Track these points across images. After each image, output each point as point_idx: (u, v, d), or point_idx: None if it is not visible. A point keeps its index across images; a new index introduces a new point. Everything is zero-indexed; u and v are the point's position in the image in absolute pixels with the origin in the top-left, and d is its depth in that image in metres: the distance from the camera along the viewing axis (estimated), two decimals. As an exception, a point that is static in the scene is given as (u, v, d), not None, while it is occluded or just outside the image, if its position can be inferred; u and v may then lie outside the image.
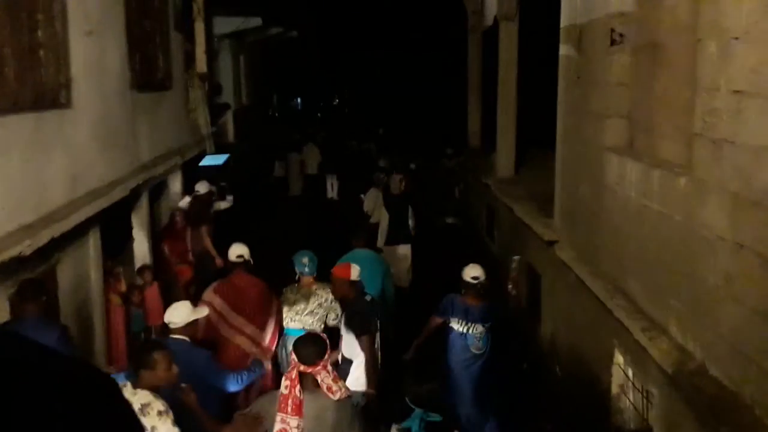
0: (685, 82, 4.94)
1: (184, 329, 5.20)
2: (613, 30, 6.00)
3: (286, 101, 40.03)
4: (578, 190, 6.90)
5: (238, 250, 6.88)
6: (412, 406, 4.69)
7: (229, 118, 18.67)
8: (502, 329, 6.55)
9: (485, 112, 15.06)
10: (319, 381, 3.89)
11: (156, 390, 4.07)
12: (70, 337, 5.62)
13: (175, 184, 12.10)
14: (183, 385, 4.37)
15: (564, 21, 7.41)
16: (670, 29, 5.24)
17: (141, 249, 9.98)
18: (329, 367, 3.95)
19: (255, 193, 14.62)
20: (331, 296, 6.37)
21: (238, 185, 15.73)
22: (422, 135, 23.51)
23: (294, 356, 3.93)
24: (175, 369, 4.18)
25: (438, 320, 6.33)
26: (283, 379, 3.95)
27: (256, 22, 16.92)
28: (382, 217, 10.60)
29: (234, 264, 6.85)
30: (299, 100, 44.40)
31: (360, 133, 25.30)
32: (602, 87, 6.24)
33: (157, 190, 11.47)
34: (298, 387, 3.82)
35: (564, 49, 7.41)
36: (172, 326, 5.21)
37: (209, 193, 10.66)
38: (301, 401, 3.81)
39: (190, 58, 14.05)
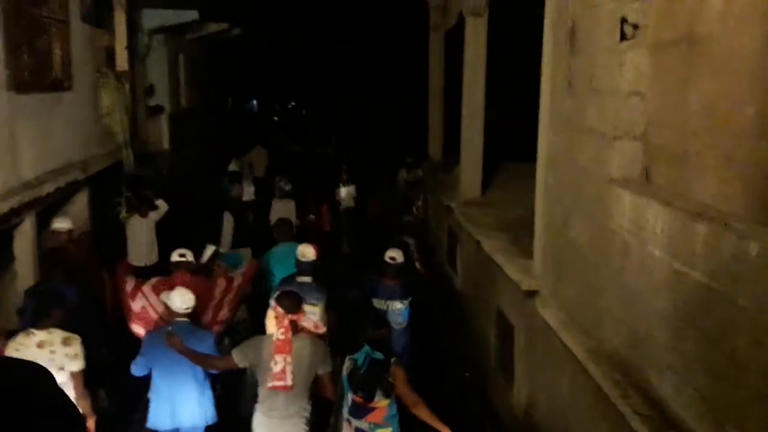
0: (746, 91, 3.30)
1: (187, 313, 5.70)
2: (624, 20, 4.34)
3: (242, 104, 38.15)
4: (568, 229, 5.24)
5: (180, 250, 6.95)
6: (363, 344, 5.16)
7: (163, 123, 16.76)
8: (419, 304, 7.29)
9: (449, 120, 13.38)
10: (303, 324, 5.31)
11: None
12: (86, 290, 6.95)
13: (78, 202, 10.20)
14: (169, 328, 5.51)
15: (549, 11, 5.75)
16: (721, 15, 3.59)
17: (24, 283, 8.08)
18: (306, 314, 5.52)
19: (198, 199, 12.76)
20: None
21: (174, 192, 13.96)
22: (380, 142, 21.92)
23: (280, 310, 5.14)
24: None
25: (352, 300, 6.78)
26: (277, 327, 5.08)
27: (191, 15, 15.00)
28: None
29: (176, 264, 6.85)
30: (255, 102, 42.58)
31: (315, 137, 24.06)
32: (606, 97, 4.59)
33: (53, 210, 9.57)
34: (290, 332, 5.05)
35: (549, 48, 5.76)
36: (175, 310, 5.69)
37: (69, 233, 8.16)
38: (290, 343, 5.02)
39: (109, 55, 12.17)
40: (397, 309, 6.91)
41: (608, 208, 4.43)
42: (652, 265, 3.82)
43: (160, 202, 10.16)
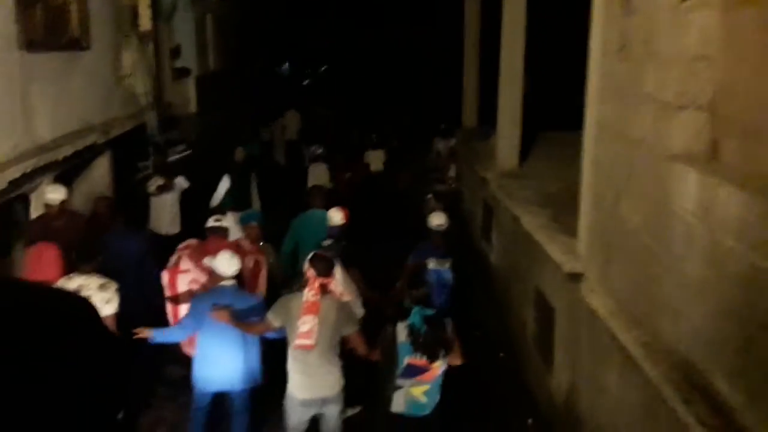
0: None
1: (232, 278, 5.65)
2: (692, -28, 3.79)
3: (273, 67, 37.63)
4: (619, 208, 4.73)
5: (217, 215, 7.09)
6: (411, 306, 5.28)
7: (190, 86, 16.36)
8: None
9: (484, 86, 12.79)
10: (331, 288, 5.52)
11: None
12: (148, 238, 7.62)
13: (100, 167, 9.87)
14: (214, 304, 5.43)
15: (601, -36, 5.18)
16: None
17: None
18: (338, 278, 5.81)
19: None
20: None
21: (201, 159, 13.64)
22: (413, 108, 21.39)
23: (312, 271, 5.28)
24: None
25: (411, 265, 7.03)
26: (308, 289, 5.21)
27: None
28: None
29: (212, 229, 6.85)
30: (287, 65, 42.02)
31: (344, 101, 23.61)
32: (667, 62, 4.05)
33: (73, 174, 9.25)
34: (319, 294, 5.21)
35: (599, 8, 5.19)
36: (221, 274, 5.65)
37: (61, 205, 7.35)
38: (319, 304, 5.18)
39: (132, 14, 11.74)
40: (447, 268, 7.21)
41: (668, 187, 3.92)
42: (723, 256, 3.31)
43: (180, 180, 9.73)
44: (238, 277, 5.80)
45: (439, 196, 14.12)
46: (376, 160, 14.62)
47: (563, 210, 7.09)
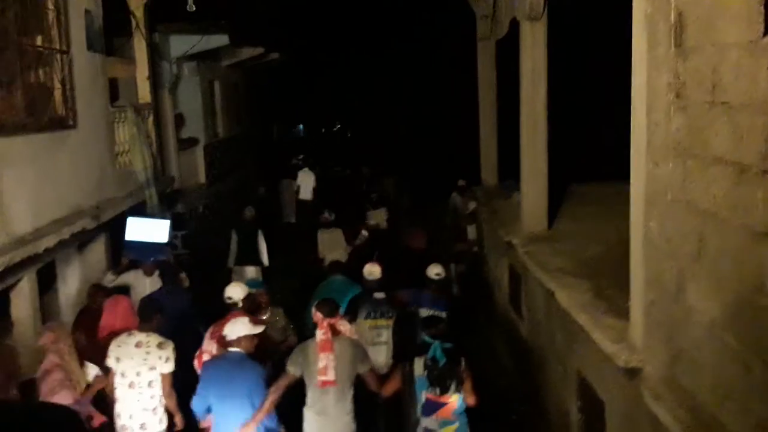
0: None
1: (238, 342, 5.55)
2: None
3: (287, 129, 37.36)
4: (686, 294, 3.85)
5: (228, 292, 6.86)
6: (429, 341, 5.59)
7: (198, 156, 15.77)
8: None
9: (502, 139, 12.02)
10: (339, 327, 5.75)
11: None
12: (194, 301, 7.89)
13: (95, 252, 9.14)
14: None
15: (640, 3, 4.39)
16: None
17: (23, 346, 7.01)
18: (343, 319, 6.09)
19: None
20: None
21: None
22: (428, 165, 20.73)
23: (319, 314, 5.64)
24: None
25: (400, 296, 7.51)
26: (318, 330, 5.59)
27: (222, 40, 13.95)
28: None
29: (227, 306, 6.78)
30: (301, 127, 41.81)
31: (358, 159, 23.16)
32: (742, 113, 3.22)
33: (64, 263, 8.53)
34: (330, 333, 5.56)
35: (642, 50, 4.39)
36: (228, 339, 5.61)
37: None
38: (332, 342, 5.53)
39: (127, 86, 11.21)
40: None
41: (759, 273, 3.05)
42: None
43: (183, 277, 8.63)
44: (245, 346, 5.66)
45: (459, 256, 13.33)
46: (378, 218, 14.09)
47: (605, 281, 6.21)
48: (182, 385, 5.92)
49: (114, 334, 6.26)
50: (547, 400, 7.25)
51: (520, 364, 8.27)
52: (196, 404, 5.66)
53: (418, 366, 5.47)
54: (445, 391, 5.43)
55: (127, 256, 8.74)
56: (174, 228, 13.49)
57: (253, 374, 5.55)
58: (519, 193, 9.93)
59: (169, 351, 5.79)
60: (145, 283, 8.22)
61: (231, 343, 5.61)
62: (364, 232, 12.41)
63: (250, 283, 7.82)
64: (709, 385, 3.64)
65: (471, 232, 12.64)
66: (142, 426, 5.79)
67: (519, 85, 8.70)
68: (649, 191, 4.33)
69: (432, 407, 5.46)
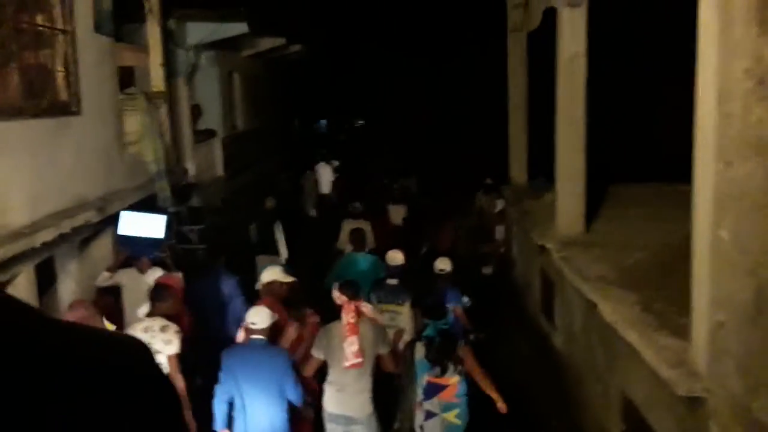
0: None
1: (263, 331, 5.59)
2: None
3: (310, 124, 36.84)
4: None
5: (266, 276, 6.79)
6: (426, 321, 5.76)
7: (216, 148, 15.26)
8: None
9: (533, 136, 11.37)
10: (364, 311, 5.91)
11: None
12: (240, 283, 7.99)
13: (100, 248, 8.64)
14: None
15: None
16: None
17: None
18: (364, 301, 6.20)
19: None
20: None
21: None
22: (456, 161, 20.11)
23: (344, 297, 5.75)
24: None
25: None
26: (345, 313, 5.66)
27: (240, 28, 13.40)
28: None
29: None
30: (324, 122, 41.28)
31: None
32: None
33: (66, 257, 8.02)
34: (356, 316, 5.64)
35: (712, 32, 3.75)
36: (253, 327, 5.61)
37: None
38: (357, 325, 5.61)
39: (139, 73, 10.71)
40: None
41: None
42: None
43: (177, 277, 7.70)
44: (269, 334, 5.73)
45: (485, 258, 12.71)
46: (396, 215, 13.74)
47: (653, 293, 5.58)
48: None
49: None
50: (582, 417, 6.63)
51: (553, 378, 7.64)
52: (219, 394, 5.59)
53: (419, 350, 5.57)
54: (444, 370, 5.47)
55: (123, 251, 8.23)
56: (190, 222, 13.11)
57: (277, 362, 5.53)
58: (552, 192, 9.30)
59: (171, 333, 5.84)
60: (140, 282, 7.66)
61: (255, 331, 5.61)
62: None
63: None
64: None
65: (499, 232, 12.01)
66: None
67: (553, 78, 8.06)
68: (720, 195, 3.69)
69: (433, 390, 5.52)
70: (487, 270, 12.64)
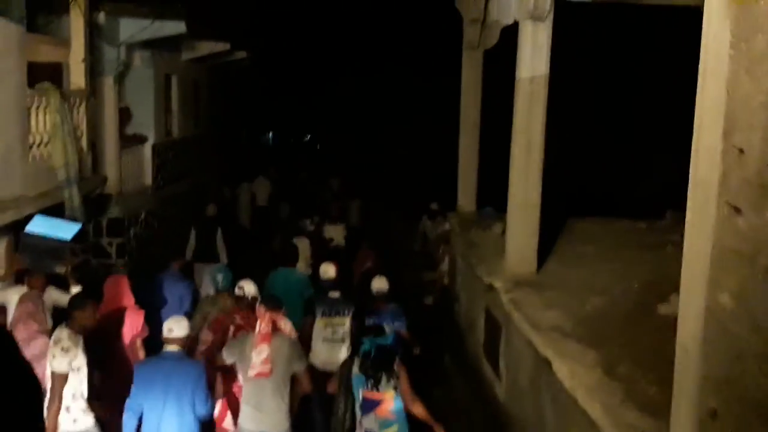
0: None
1: (179, 340, 5.54)
2: None
3: (256, 136, 35.78)
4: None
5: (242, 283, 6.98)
6: (362, 340, 5.70)
7: (145, 155, 14.16)
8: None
9: (486, 161, 10.64)
10: (280, 324, 5.98)
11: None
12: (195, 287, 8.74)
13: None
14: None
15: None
16: None
17: None
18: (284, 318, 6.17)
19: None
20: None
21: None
22: (402, 184, 19.47)
23: (263, 308, 5.88)
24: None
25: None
26: (259, 322, 5.71)
27: (177, 28, 12.41)
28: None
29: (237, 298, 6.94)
30: (270, 135, 40.25)
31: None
32: None
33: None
34: (270, 326, 5.69)
35: (717, 48, 3.01)
36: (169, 336, 5.52)
37: None
38: (271, 335, 5.65)
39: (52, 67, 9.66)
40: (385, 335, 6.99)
41: None
42: None
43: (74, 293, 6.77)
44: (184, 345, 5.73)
45: (427, 287, 11.97)
46: (336, 235, 13.32)
47: (615, 349, 4.84)
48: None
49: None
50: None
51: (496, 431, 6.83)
52: (128, 408, 5.44)
53: (356, 365, 5.56)
54: (377, 383, 5.44)
55: (22, 260, 7.45)
56: (108, 234, 12.05)
57: (190, 374, 5.45)
58: (500, 223, 8.59)
59: (57, 349, 5.37)
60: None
61: (170, 341, 5.53)
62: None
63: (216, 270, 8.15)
64: None
65: (444, 264, 11.24)
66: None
67: (510, 99, 7.34)
68: (720, 250, 2.93)
69: (369, 405, 5.49)
70: (428, 300, 11.92)
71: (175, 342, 5.52)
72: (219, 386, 6.24)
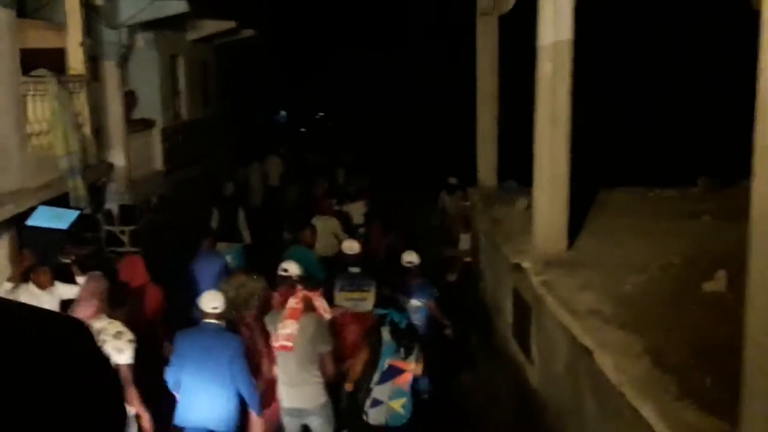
0: None
1: (218, 315, 5.72)
2: None
3: (270, 116, 35.39)
4: None
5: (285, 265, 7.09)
6: (382, 311, 5.97)
7: (154, 140, 13.80)
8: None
9: (507, 133, 10.17)
10: (316, 303, 6.10)
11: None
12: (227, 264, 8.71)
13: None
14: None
15: None
16: None
17: None
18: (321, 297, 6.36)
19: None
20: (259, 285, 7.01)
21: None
22: (420, 159, 19.06)
23: (300, 285, 6.16)
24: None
25: None
26: (292, 298, 5.89)
27: (178, 7, 11.94)
28: None
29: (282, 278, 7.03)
30: (284, 114, 39.87)
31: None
32: None
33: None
34: (302, 304, 5.81)
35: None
36: (207, 310, 5.71)
37: None
38: (301, 312, 5.75)
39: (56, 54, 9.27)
40: (414, 306, 7.27)
41: None
42: None
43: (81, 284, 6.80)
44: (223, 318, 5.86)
45: (448, 263, 11.56)
46: (356, 213, 12.89)
47: (661, 334, 4.41)
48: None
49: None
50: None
51: (528, 423, 6.44)
52: (168, 377, 5.65)
53: (385, 333, 5.61)
54: (409, 352, 5.55)
55: (30, 255, 7.47)
56: (121, 222, 11.78)
57: (229, 346, 5.58)
58: (524, 197, 8.15)
59: (124, 342, 5.39)
60: (41, 301, 6.39)
61: (208, 315, 5.69)
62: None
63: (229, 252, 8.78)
64: None
65: (464, 241, 10.82)
66: None
67: (531, 68, 6.86)
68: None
69: (391, 373, 5.56)
70: (451, 277, 11.52)
71: (214, 316, 5.70)
72: (265, 363, 6.27)
